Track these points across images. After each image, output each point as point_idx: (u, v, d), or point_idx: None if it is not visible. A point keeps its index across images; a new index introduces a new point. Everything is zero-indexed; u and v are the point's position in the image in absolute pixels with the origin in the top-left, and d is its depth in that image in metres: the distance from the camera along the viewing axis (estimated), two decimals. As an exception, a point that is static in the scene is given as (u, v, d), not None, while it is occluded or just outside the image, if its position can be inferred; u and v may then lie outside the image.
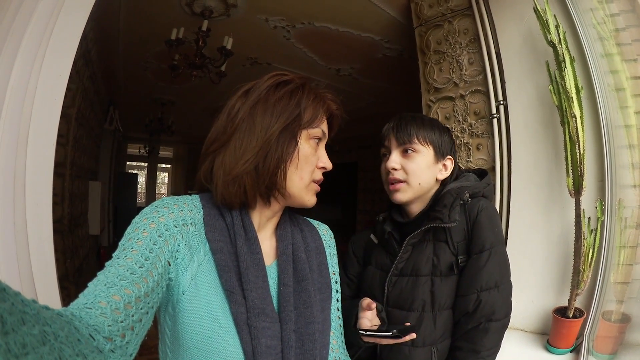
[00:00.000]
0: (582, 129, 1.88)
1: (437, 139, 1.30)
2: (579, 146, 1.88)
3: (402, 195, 1.29)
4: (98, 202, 5.39)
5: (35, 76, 1.55)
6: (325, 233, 1.07)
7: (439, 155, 1.31)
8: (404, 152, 1.28)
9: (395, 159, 1.28)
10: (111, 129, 6.49)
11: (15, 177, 1.48)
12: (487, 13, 2.48)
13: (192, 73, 4.07)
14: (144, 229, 0.75)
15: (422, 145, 1.28)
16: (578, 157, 1.89)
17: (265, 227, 0.93)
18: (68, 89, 1.65)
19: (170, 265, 0.76)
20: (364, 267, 1.41)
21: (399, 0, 3.24)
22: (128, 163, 11.29)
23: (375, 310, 1.13)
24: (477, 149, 2.59)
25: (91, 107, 4.70)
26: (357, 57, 4.58)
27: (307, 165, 0.88)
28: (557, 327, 1.90)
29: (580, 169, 1.88)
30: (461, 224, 1.25)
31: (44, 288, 1.53)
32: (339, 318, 1.04)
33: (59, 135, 1.63)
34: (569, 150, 1.93)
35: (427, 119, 1.34)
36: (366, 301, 1.13)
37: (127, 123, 8.02)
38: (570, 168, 1.93)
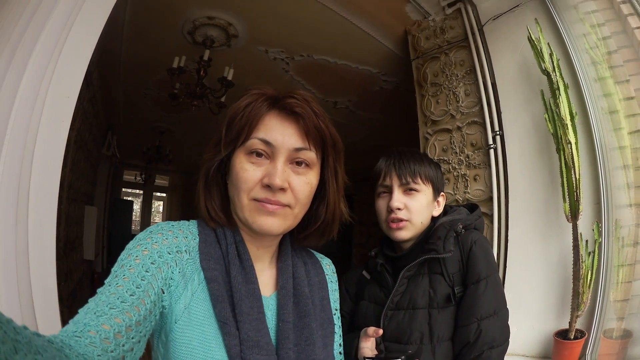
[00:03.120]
0: (577, 154, 1.92)
1: (435, 176, 1.32)
2: (574, 171, 1.92)
3: (405, 233, 1.29)
4: (94, 227, 5.35)
5: (42, 96, 1.52)
6: (328, 267, 1.03)
7: (436, 193, 1.33)
8: (407, 191, 1.29)
9: (399, 198, 1.28)
10: (108, 154, 6.47)
11: (18, 197, 1.44)
12: (482, 44, 2.56)
13: (192, 103, 4.09)
14: (136, 256, 0.73)
15: (423, 184, 1.29)
16: (574, 182, 1.92)
17: (262, 257, 0.89)
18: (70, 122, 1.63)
19: (164, 292, 0.73)
20: (356, 304, 1.40)
21: (397, 33, 3.34)
22: (124, 189, 11.16)
23: (375, 342, 1.14)
24: (475, 179, 2.61)
25: (90, 131, 4.72)
26: (355, 89, 4.67)
27: (240, 183, 0.80)
28: (559, 349, 1.90)
29: (577, 194, 1.91)
30: (455, 255, 1.26)
31: (44, 311, 1.47)
32: (341, 354, 1.01)
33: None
34: (564, 176, 1.96)
35: (422, 155, 1.35)
36: (372, 328, 1.14)
37: (124, 149, 7.98)
38: (566, 194, 1.96)
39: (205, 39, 3.71)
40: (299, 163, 0.82)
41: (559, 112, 1.94)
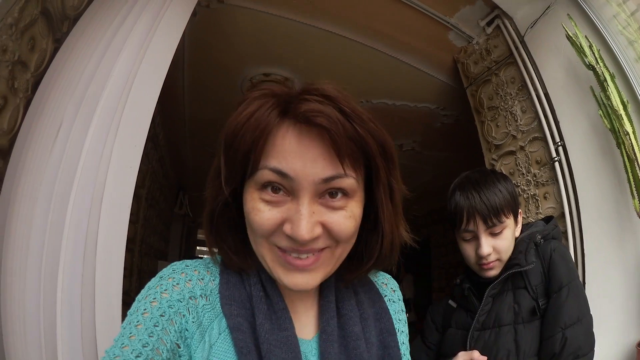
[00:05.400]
0: (637, 144, 1.82)
1: (513, 203, 1.30)
2: (637, 163, 1.81)
3: (496, 271, 1.30)
4: (167, 281, 5.56)
5: (109, 145, 1.57)
6: (385, 287, 0.86)
7: (516, 218, 1.33)
8: (493, 233, 1.27)
9: (487, 244, 1.27)
10: (181, 213, 6.68)
11: (87, 238, 1.48)
12: (527, 55, 2.55)
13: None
14: (144, 309, 0.63)
15: (507, 218, 1.28)
16: (639, 174, 1.81)
17: (303, 295, 0.75)
18: (138, 170, 1.69)
19: (180, 347, 0.63)
20: (443, 334, 1.42)
21: (446, 64, 3.41)
22: (198, 248, 11.56)
23: None
24: (545, 198, 2.52)
25: (160, 190, 4.92)
26: (417, 129, 4.69)
27: (254, 227, 0.63)
28: (643, 359, 1.70)
29: (644, 186, 1.79)
30: (537, 266, 1.27)
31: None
32: None
33: (130, 213, 1.64)
34: (629, 170, 1.86)
35: (493, 177, 1.32)
36: (476, 352, 1.14)
37: (197, 209, 8.08)
38: (634, 189, 1.85)
39: (264, 94, 3.94)
40: (333, 194, 0.63)
41: (611, 104, 1.87)
